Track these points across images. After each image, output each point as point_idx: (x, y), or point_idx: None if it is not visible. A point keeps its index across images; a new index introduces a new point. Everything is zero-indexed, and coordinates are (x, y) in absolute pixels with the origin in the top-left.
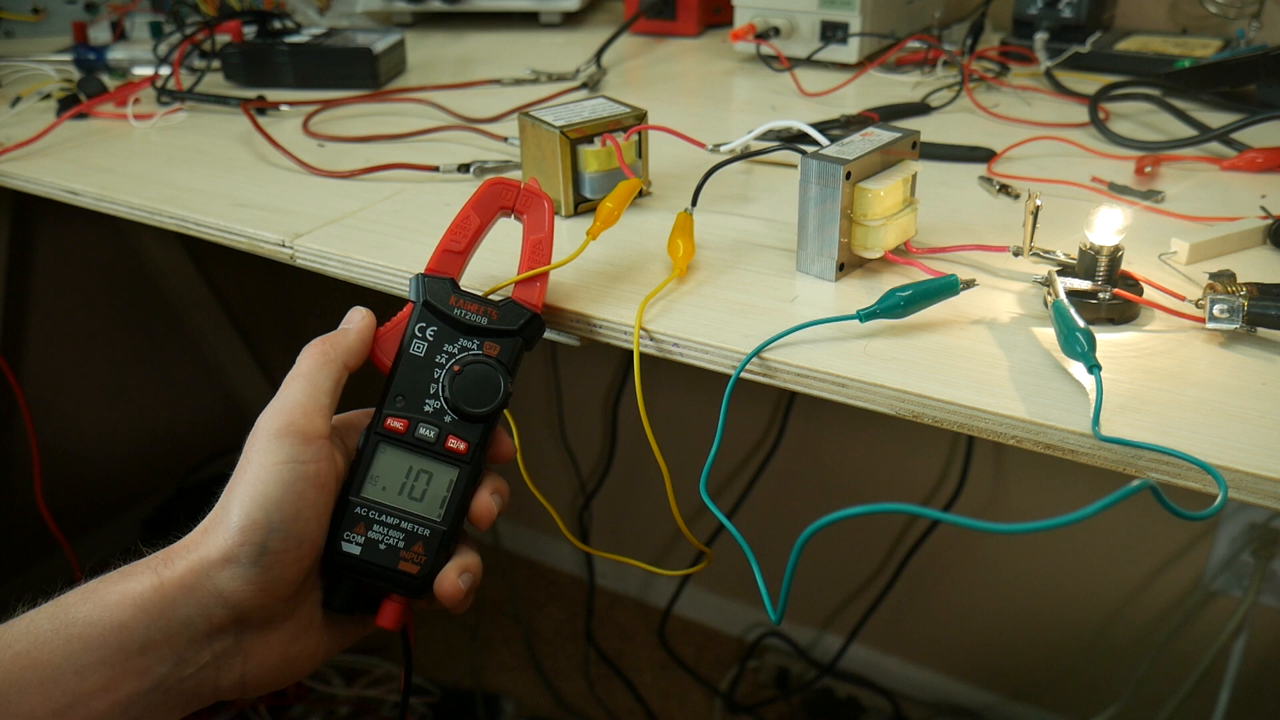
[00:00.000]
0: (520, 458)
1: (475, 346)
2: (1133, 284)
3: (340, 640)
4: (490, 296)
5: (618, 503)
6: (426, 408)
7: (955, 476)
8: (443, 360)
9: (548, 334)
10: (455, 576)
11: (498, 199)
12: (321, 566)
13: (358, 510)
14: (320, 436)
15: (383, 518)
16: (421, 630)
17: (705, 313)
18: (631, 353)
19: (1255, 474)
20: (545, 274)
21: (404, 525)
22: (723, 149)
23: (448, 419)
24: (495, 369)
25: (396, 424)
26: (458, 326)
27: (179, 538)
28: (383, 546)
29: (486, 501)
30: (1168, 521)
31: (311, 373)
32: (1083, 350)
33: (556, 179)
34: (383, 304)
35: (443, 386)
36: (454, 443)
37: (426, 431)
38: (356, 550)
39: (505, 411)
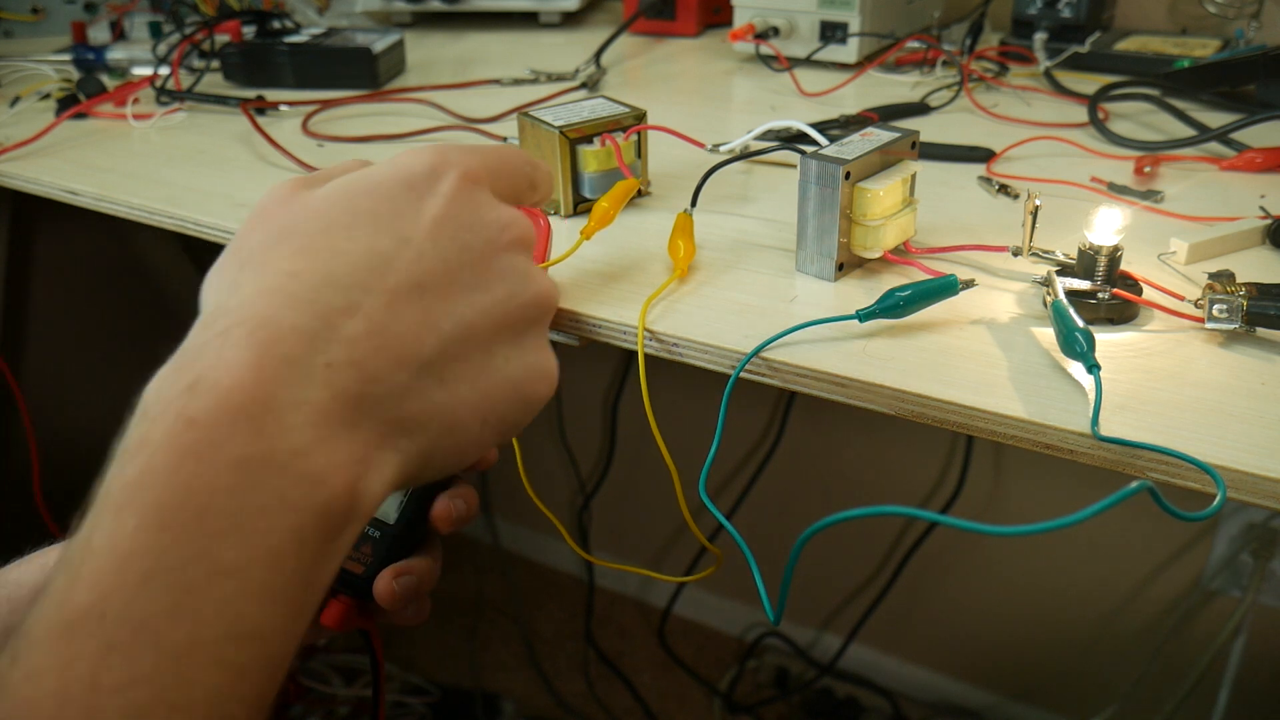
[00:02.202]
0: (521, 465)
1: None
2: (1132, 284)
3: None
4: None
5: (618, 503)
6: None
7: (955, 476)
8: None
9: (548, 334)
10: (390, 579)
11: None
12: None
13: None
14: None
15: None
16: (420, 630)
17: (704, 313)
18: (630, 352)
19: (1254, 474)
20: None
21: None
22: (722, 149)
23: None
24: None
25: None
26: None
27: None
28: None
29: (446, 505)
30: (1167, 521)
31: None
32: (1082, 350)
33: (556, 179)
34: None
35: None
36: None
37: None
38: None
39: None
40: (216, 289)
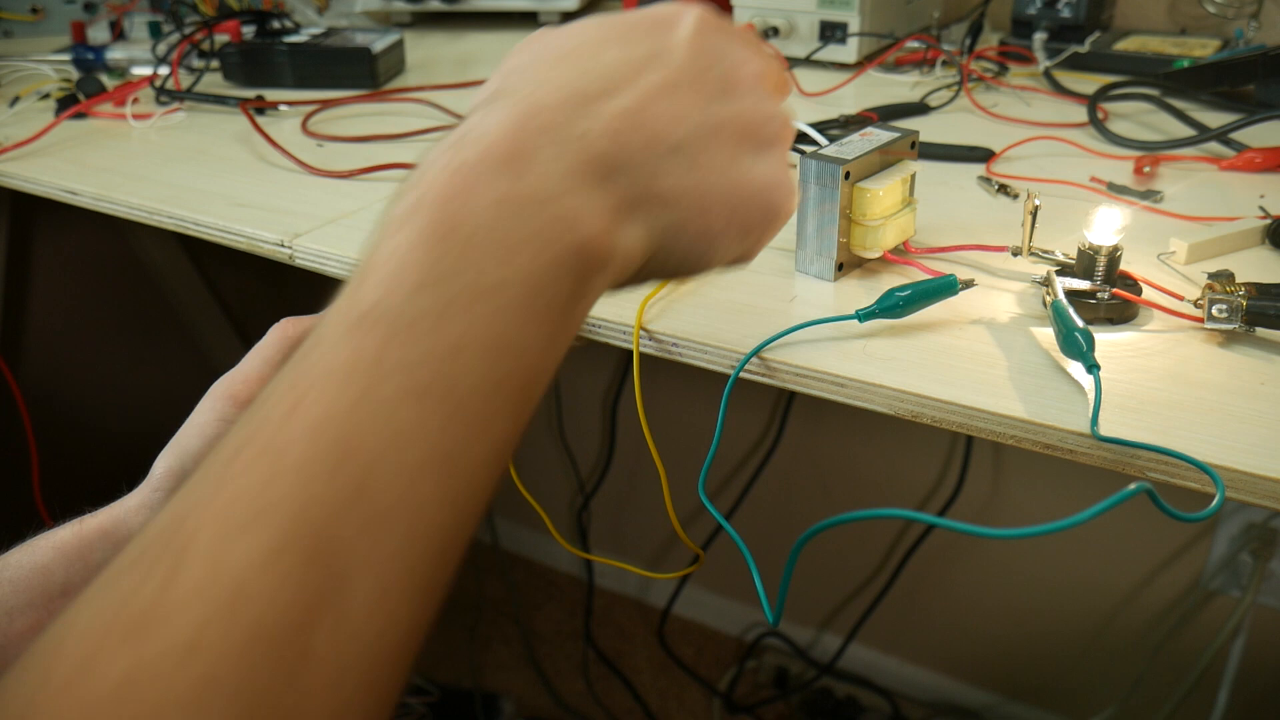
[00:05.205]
0: (511, 461)
1: None
2: (1131, 284)
3: None
4: None
5: (617, 502)
6: None
7: (954, 476)
8: None
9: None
10: None
11: None
12: None
13: None
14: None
15: None
16: None
17: (704, 312)
18: (630, 352)
19: (1253, 474)
20: None
21: None
22: None
23: None
24: None
25: None
26: None
27: None
28: None
29: None
30: (1166, 521)
31: (265, 346)
32: (1081, 350)
33: None
34: None
35: None
36: None
37: None
38: None
39: None
40: (476, 102)
